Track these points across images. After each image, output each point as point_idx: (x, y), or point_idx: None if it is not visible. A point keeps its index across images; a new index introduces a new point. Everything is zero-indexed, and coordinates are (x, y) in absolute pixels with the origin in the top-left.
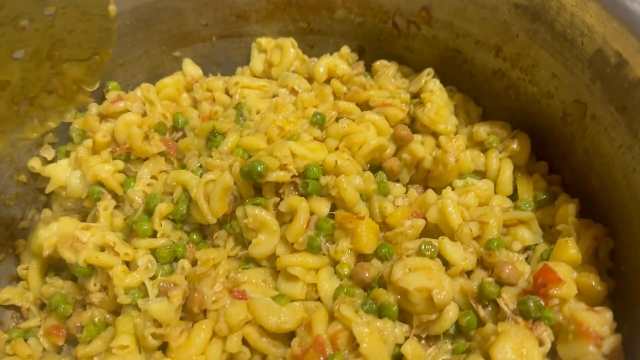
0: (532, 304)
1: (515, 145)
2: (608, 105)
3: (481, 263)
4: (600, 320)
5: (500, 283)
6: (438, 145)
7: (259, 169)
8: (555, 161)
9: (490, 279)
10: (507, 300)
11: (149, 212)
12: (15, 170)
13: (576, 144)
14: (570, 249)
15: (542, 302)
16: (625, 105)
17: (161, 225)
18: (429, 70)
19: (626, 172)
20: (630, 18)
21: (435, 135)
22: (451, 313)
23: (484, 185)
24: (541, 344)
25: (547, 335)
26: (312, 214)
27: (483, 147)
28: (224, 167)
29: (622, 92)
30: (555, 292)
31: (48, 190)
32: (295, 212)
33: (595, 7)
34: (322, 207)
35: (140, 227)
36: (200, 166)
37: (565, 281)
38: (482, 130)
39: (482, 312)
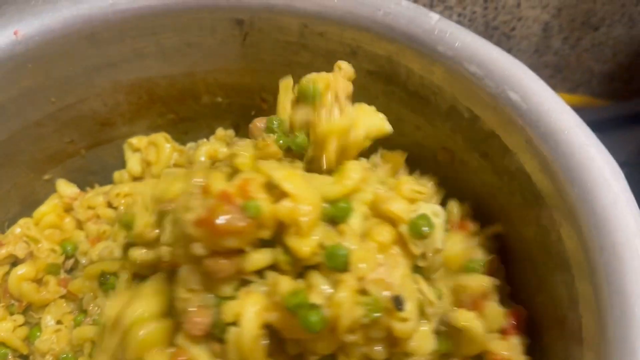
0: None
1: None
2: (472, 152)
3: None
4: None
5: None
6: None
7: None
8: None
9: None
10: None
11: None
12: None
13: (455, 182)
14: None
15: None
16: (486, 152)
17: None
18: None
19: (502, 210)
20: (472, 79)
21: None
22: None
23: None
24: None
25: None
26: None
27: None
28: None
29: (481, 142)
30: None
31: None
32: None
33: (439, 71)
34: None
35: None
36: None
37: None
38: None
39: None
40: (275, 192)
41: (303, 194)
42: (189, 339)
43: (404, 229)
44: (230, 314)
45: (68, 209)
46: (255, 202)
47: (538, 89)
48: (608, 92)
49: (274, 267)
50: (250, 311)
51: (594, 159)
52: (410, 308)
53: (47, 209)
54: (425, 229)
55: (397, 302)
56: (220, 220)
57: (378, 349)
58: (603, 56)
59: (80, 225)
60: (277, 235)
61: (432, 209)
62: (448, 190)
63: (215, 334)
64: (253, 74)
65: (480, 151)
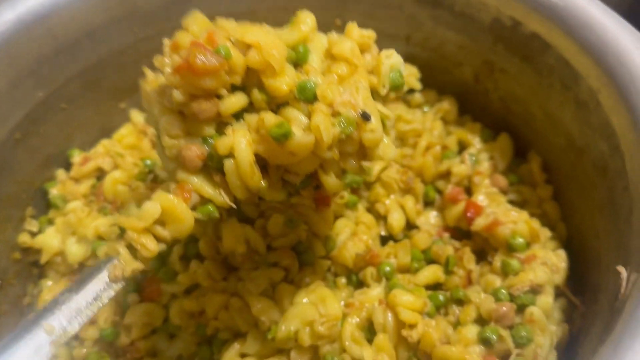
0: None
1: (446, 104)
2: (512, 58)
3: None
4: None
5: None
6: None
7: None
8: (474, 114)
9: None
10: None
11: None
12: (10, 248)
13: (491, 95)
14: None
15: None
16: (526, 55)
17: None
18: None
19: (541, 103)
20: None
21: None
22: None
23: None
24: None
25: None
26: None
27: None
28: None
29: (522, 46)
30: None
31: (43, 260)
32: None
33: None
34: None
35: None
36: None
37: None
38: (417, 95)
39: None
40: (240, 45)
41: (267, 40)
42: (188, 172)
43: (384, 81)
44: (224, 147)
45: (142, 134)
46: (224, 46)
47: None
48: None
49: (247, 110)
50: (242, 142)
51: (622, 34)
52: (375, 121)
53: (126, 132)
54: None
55: (365, 116)
56: (198, 60)
57: (352, 162)
58: None
59: (155, 146)
60: (247, 83)
61: (396, 59)
62: (486, 102)
63: (211, 166)
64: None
65: (520, 55)
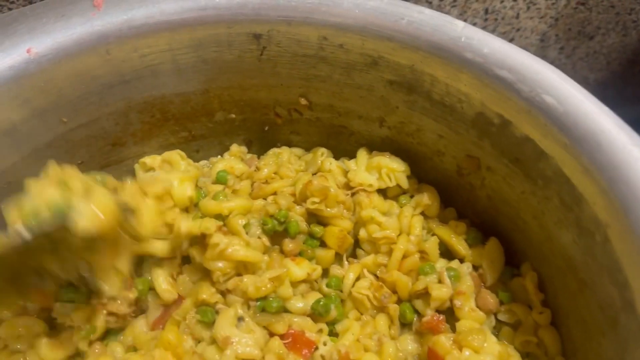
0: None
1: (426, 198)
2: (501, 158)
3: None
4: None
5: None
6: None
7: None
8: (458, 207)
9: None
10: None
11: None
12: None
13: (477, 192)
14: None
15: None
16: (518, 158)
17: None
18: (323, 151)
19: (535, 214)
20: (502, 84)
21: None
22: None
23: None
24: None
25: None
26: None
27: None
28: None
29: (512, 147)
30: None
31: None
32: None
33: (467, 78)
34: None
35: None
36: None
37: None
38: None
39: None
40: None
41: None
42: None
43: None
44: None
45: None
46: None
47: (573, 91)
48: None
49: None
50: None
51: (638, 158)
52: None
53: None
54: None
55: None
56: None
57: None
58: (598, 64)
59: None
60: None
61: None
62: (471, 198)
63: None
64: (268, 89)
65: (510, 157)
